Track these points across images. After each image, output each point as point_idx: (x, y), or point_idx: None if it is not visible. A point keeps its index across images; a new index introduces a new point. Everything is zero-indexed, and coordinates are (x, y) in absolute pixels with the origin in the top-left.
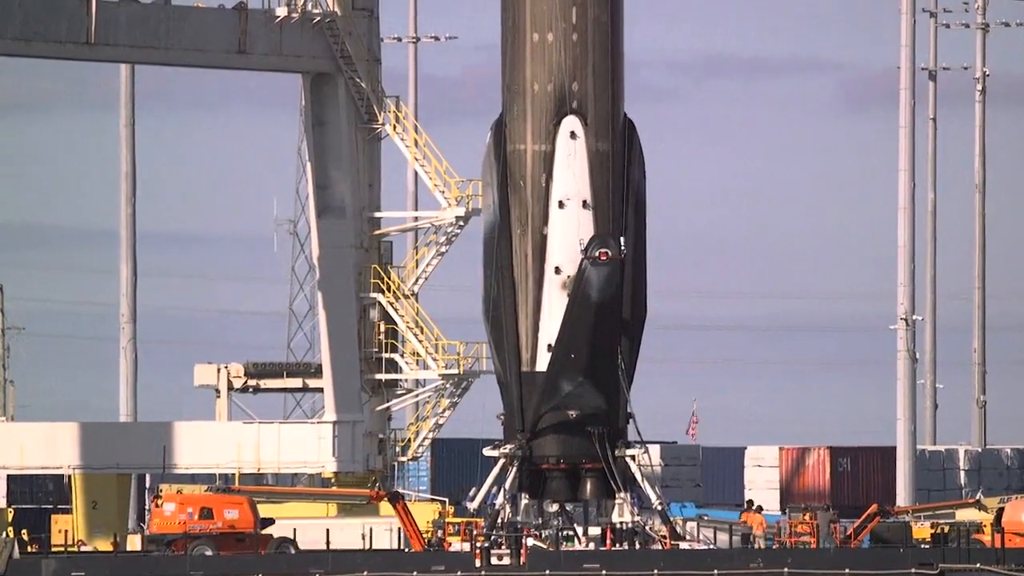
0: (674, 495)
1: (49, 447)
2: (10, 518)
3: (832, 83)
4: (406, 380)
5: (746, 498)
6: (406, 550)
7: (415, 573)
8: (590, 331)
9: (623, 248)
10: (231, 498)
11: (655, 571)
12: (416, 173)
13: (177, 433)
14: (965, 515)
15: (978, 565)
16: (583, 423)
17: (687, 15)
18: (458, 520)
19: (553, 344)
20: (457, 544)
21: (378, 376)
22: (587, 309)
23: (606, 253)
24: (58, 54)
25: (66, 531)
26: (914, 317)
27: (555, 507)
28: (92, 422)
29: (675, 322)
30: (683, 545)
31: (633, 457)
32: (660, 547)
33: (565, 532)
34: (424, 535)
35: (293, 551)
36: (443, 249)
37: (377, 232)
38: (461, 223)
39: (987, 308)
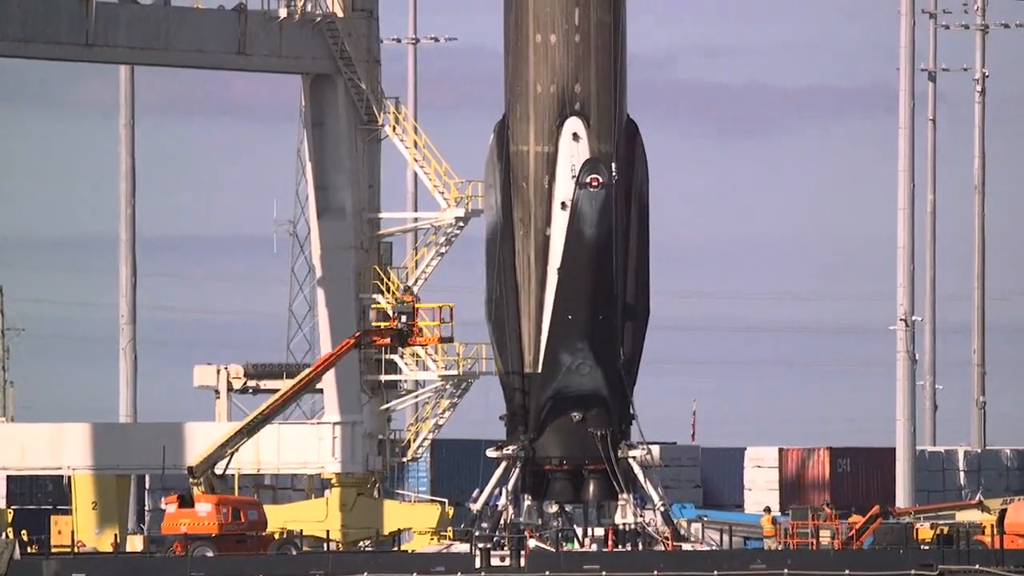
0: (674, 495)
1: (49, 448)
2: (10, 519)
3: (832, 83)
4: (406, 381)
5: (746, 498)
6: None
7: (415, 574)
8: (587, 279)
9: (614, 173)
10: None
11: (655, 572)
12: (416, 174)
13: (177, 434)
14: (966, 516)
15: (977, 566)
16: (586, 423)
17: (686, 14)
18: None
19: (550, 317)
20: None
21: (378, 377)
22: (582, 249)
23: (597, 179)
24: (57, 55)
25: (73, 531)
26: (914, 318)
27: (555, 508)
28: (92, 423)
29: (675, 322)
30: (686, 546)
31: (636, 458)
32: (663, 548)
33: (565, 532)
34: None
35: (294, 552)
36: (443, 250)
37: (377, 233)
38: (461, 224)
39: (987, 309)
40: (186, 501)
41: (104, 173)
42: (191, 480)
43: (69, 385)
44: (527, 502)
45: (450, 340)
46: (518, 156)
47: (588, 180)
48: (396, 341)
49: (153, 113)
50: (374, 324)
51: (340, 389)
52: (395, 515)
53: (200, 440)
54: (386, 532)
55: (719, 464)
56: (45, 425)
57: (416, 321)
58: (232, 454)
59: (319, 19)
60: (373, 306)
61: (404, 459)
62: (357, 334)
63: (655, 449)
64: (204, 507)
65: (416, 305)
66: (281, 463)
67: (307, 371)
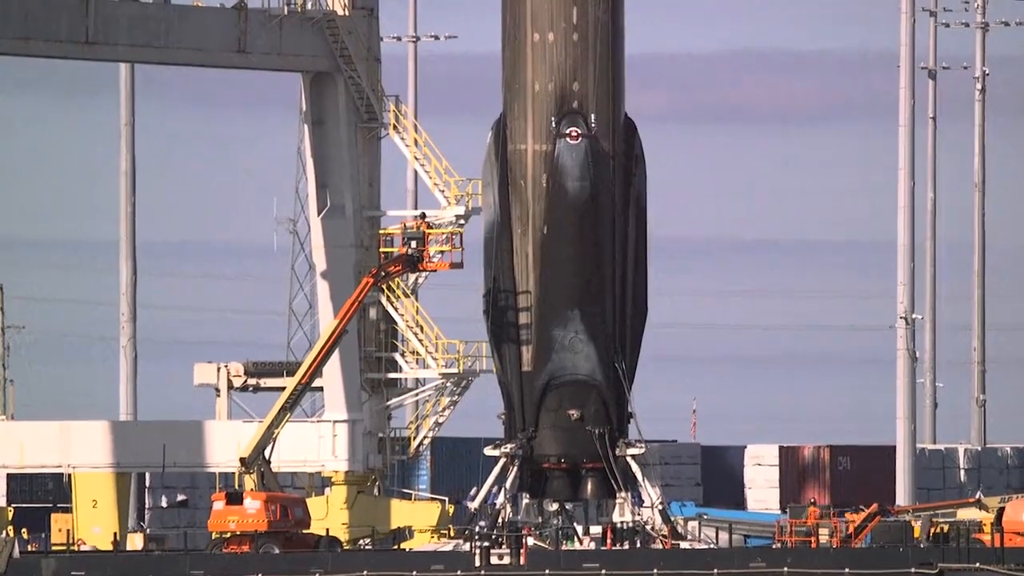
0: (674, 493)
1: (49, 446)
2: (10, 517)
3: (832, 81)
4: (406, 379)
5: (747, 496)
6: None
7: (415, 573)
8: (572, 239)
9: (593, 125)
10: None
11: (655, 570)
12: (416, 172)
13: (177, 432)
14: (965, 514)
15: (978, 565)
16: (583, 421)
17: (686, 13)
18: None
19: (535, 288)
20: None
21: (378, 375)
22: (565, 205)
23: (576, 131)
24: (57, 53)
25: (69, 530)
26: (914, 316)
27: (555, 506)
28: (92, 421)
29: (675, 320)
30: (683, 544)
31: (634, 456)
32: (661, 546)
33: (565, 530)
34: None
35: (277, 551)
36: (443, 248)
37: (378, 231)
38: (461, 222)
39: (987, 307)
40: (234, 498)
41: (104, 172)
42: (244, 471)
43: (69, 383)
44: (525, 500)
45: (460, 266)
46: (516, 154)
47: (568, 132)
48: (408, 267)
49: (152, 111)
50: (383, 252)
51: (340, 387)
52: (396, 513)
53: (199, 438)
54: (388, 530)
55: (719, 462)
56: (45, 423)
57: (427, 246)
58: (277, 436)
59: (319, 17)
60: (381, 232)
61: (404, 457)
62: (374, 270)
63: (653, 448)
64: (253, 504)
65: (426, 231)
66: (281, 461)
67: (332, 323)
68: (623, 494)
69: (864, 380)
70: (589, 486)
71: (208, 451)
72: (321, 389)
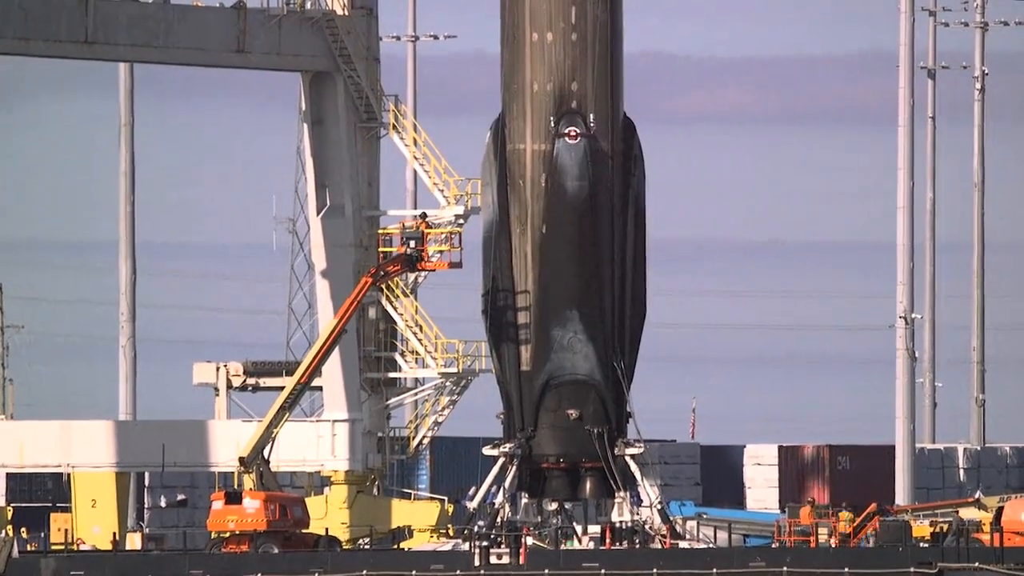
0: (673, 494)
1: (48, 445)
2: (9, 516)
3: (832, 82)
4: (405, 379)
5: (745, 494)
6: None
7: (415, 573)
8: (571, 238)
9: (592, 124)
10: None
11: (654, 570)
12: (415, 172)
13: (176, 432)
14: (964, 514)
15: (977, 564)
16: (582, 421)
17: (686, 14)
18: None
19: (534, 287)
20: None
21: (377, 375)
22: (564, 204)
23: (575, 131)
24: (57, 53)
25: (67, 530)
26: (913, 316)
27: (554, 506)
28: (91, 421)
29: (675, 320)
30: (682, 544)
31: (632, 456)
32: (659, 545)
33: (564, 530)
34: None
35: (276, 550)
36: (442, 248)
37: (377, 231)
38: (460, 221)
39: (986, 307)
40: (233, 497)
41: (104, 172)
42: (243, 471)
43: (68, 383)
44: (524, 500)
45: (459, 265)
46: (515, 154)
47: (566, 131)
48: (407, 266)
49: (151, 111)
50: (382, 251)
51: (339, 387)
52: (395, 513)
53: (199, 437)
54: (388, 530)
55: (719, 462)
56: (44, 422)
57: (425, 246)
58: (277, 435)
59: (319, 17)
60: (380, 231)
61: (403, 456)
62: (372, 269)
63: (652, 448)
64: (252, 503)
65: (425, 230)
66: (280, 461)
67: (331, 322)
68: (622, 494)
69: (864, 380)
70: (588, 486)
71: (207, 451)
72: (320, 388)
